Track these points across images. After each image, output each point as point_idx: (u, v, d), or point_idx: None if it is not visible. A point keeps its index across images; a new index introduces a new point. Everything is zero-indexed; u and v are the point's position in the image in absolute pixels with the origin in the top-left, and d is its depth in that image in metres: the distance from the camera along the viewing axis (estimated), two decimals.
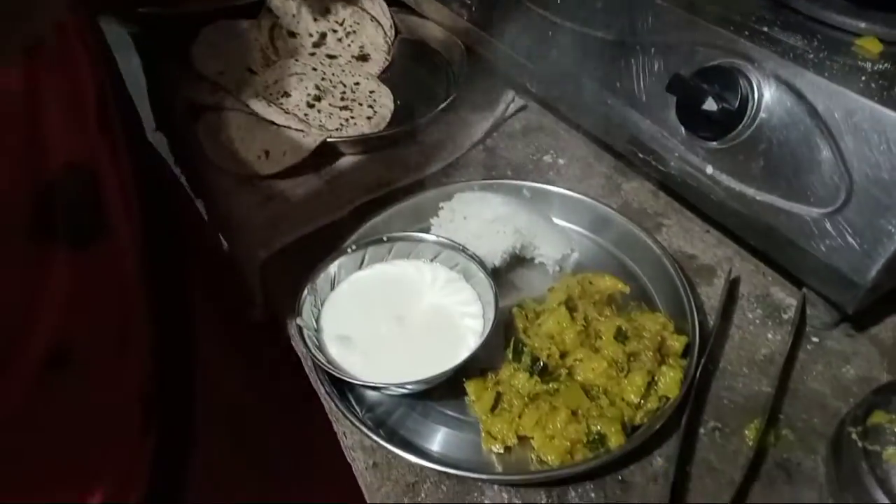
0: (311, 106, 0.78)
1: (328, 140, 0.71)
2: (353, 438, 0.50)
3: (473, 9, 0.79)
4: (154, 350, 0.62)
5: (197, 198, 0.85)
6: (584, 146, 0.75)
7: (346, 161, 0.74)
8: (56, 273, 0.52)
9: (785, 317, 0.57)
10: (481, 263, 0.55)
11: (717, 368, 0.54)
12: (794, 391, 0.52)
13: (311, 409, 0.56)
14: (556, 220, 0.65)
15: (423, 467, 0.47)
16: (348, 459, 0.51)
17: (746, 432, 0.49)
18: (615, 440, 0.45)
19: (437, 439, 0.50)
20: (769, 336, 0.56)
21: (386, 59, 0.84)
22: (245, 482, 0.68)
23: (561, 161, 0.74)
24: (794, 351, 0.54)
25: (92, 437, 0.55)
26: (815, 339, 0.56)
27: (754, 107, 0.53)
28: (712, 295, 0.59)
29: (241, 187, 0.71)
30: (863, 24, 0.54)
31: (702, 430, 0.50)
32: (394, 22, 0.88)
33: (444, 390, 0.52)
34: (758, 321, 0.57)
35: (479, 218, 0.60)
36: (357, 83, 0.82)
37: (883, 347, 0.55)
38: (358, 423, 0.48)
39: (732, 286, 0.59)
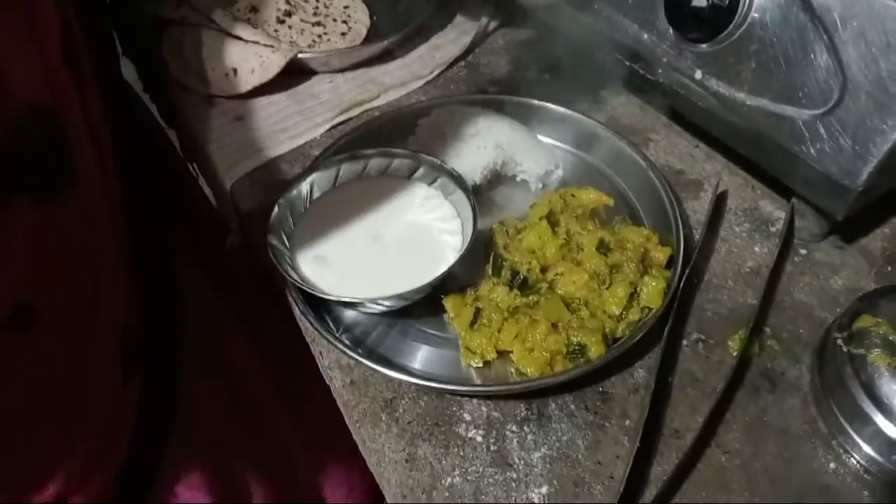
0: (281, 21, 0.74)
1: (299, 56, 0.68)
2: (330, 357, 0.49)
3: None
4: (132, 304, 0.59)
5: (168, 126, 0.81)
6: (569, 60, 0.72)
7: (319, 80, 0.71)
8: (18, 228, 0.48)
9: (773, 230, 0.56)
10: (460, 179, 0.53)
11: (702, 281, 0.52)
12: (780, 303, 0.51)
13: (299, 353, 0.54)
14: (540, 137, 0.62)
15: (401, 382, 0.46)
16: (326, 380, 0.50)
17: (730, 343, 0.48)
18: (595, 351, 0.44)
19: (417, 357, 0.49)
20: (756, 249, 0.54)
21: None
22: (234, 437, 0.67)
23: (546, 76, 0.71)
24: (780, 262, 0.53)
25: (67, 396, 0.53)
26: (802, 252, 0.54)
27: (746, 3, 0.50)
28: (699, 209, 0.58)
29: (208, 108, 0.68)
30: None
31: (685, 342, 0.49)
32: None
33: (423, 308, 0.50)
34: (745, 234, 0.56)
35: (459, 133, 0.57)
36: None
37: (871, 258, 0.54)
38: (333, 341, 0.47)
39: (719, 200, 0.58)
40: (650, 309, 0.47)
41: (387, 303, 0.48)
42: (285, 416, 0.71)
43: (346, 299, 0.46)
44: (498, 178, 0.59)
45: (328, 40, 0.73)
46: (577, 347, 0.45)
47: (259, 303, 0.72)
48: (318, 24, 0.74)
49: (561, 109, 0.62)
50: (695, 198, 0.59)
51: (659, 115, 0.66)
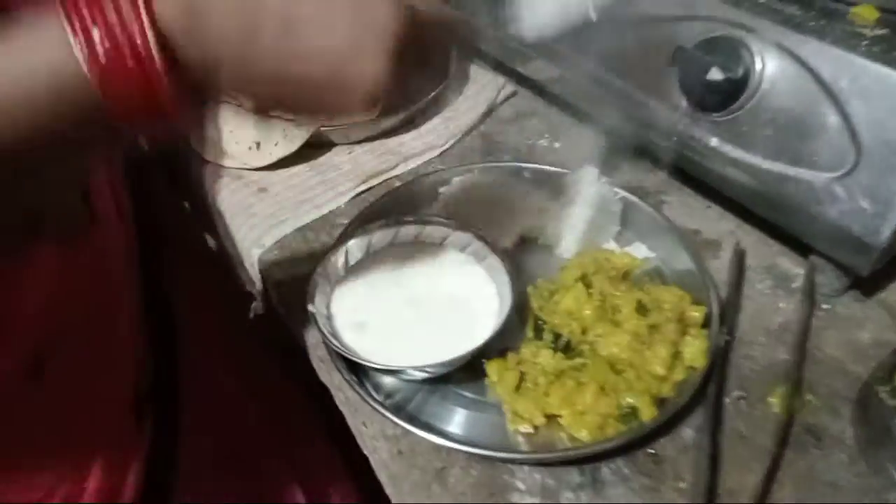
0: None
1: (320, 129, 0.69)
2: (374, 427, 0.48)
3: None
4: (144, 349, 0.59)
5: (181, 193, 0.82)
6: (577, 129, 0.75)
7: (338, 151, 0.73)
8: (42, 269, 0.49)
9: (793, 286, 0.57)
10: (492, 244, 0.54)
11: (735, 338, 0.53)
12: (813, 357, 0.52)
13: (298, 405, 0.54)
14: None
15: (449, 451, 0.46)
16: (367, 451, 0.49)
17: (771, 399, 0.49)
18: (647, 413, 0.44)
19: (460, 423, 0.48)
20: (781, 305, 0.56)
21: None
22: (231, 482, 0.66)
23: (556, 144, 0.74)
24: (807, 318, 0.55)
25: (82, 439, 0.53)
26: (825, 307, 0.56)
27: (758, 76, 0.53)
28: (720, 268, 0.59)
29: (231, 180, 0.68)
30: None
31: (727, 400, 0.49)
32: None
33: (463, 373, 0.50)
34: (768, 291, 0.57)
35: (484, 201, 0.59)
36: None
37: (892, 311, 0.56)
38: (380, 409, 0.46)
39: (740, 258, 0.59)
40: (694, 368, 0.47)
41: (431, 370, 0.48)
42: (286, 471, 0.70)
43: (392, 367, 0.46)
44: (523, 244, 0.60)
45: None
46: (628, 409, 0.45)
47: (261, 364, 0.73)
48: None
49: (587, 173, 0.63)
50: (714, 257, 0.61)
51: (668, 178, 0.68)
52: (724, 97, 0.55)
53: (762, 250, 0.61)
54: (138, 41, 0.29)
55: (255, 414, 0.72)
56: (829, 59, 0.50)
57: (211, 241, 0.78)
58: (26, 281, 0.48)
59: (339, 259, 0.54)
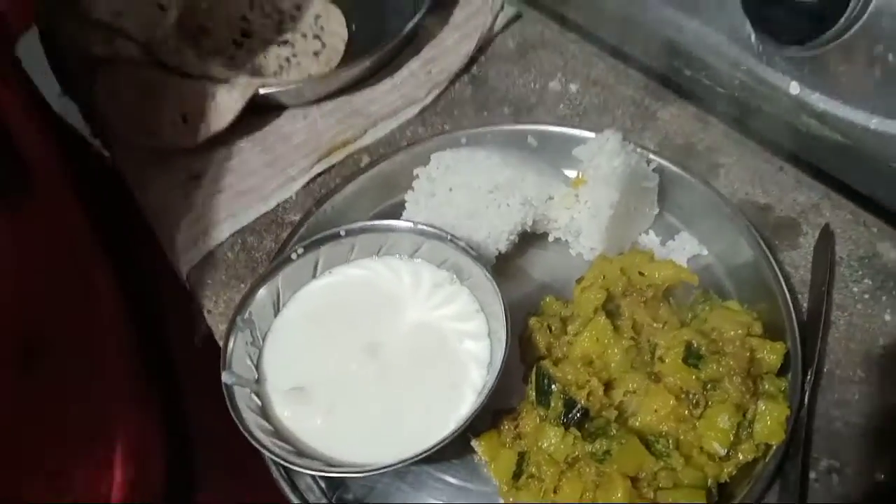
0: (238, 45, 0.60)
1: (262, 92, 0.53)
2: None
3: None
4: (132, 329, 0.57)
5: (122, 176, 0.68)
6: (601, 63, 0.57)
7: (291, 117, 0.57)
8: None
9: None
10: (478, 258, 0.39)
11: (822, 375, 0.38)
12: None
13: None
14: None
15: None
16: None
17: (878, 473, 0.34)
18: None
19: None
20: (887, 317, 0.40)
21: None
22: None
23: (573, 87, 0.57)
24: None
25: (95, 423, 0.51)
26: None
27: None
28: (800, 262, 0.44)
29: (155, 166, 0.54)
30: None
31: (812, 475, 0.35)
32: None
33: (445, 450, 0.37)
34: (867, 296, 0.42)
35: (471, 187, 0.44)
36: (298, 6, 0.63)
37: None
38: None
39: (828, 246, 0.43)
40: (768, 445, 0.33)
41: (396, 467, 0.34)
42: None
43: (339, 473, 0.33)
44: (527, 240, 0.45)
45: (298, 63, 0.59)
46: None
47: None
48: (285, 42, 0.60)
49: (607, 139, 0.46)
50: (791, 245, 0.45)
51: (727, 128, 0.51)
52: (811, 23, 0.37)
53: (857, 233, 0.45)
54: None
55: None
56: None
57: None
58: None
59: (271, 291, 0.40)
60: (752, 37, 0.41)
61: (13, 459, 0.46)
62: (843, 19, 0.37)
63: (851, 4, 0.37)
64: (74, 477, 0.50)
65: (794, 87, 0.40)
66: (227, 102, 0.54)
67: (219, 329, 0.46)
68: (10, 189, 0.47)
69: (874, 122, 0.38)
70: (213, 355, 0.49)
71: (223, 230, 0.50)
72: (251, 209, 0.51)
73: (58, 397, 0.50)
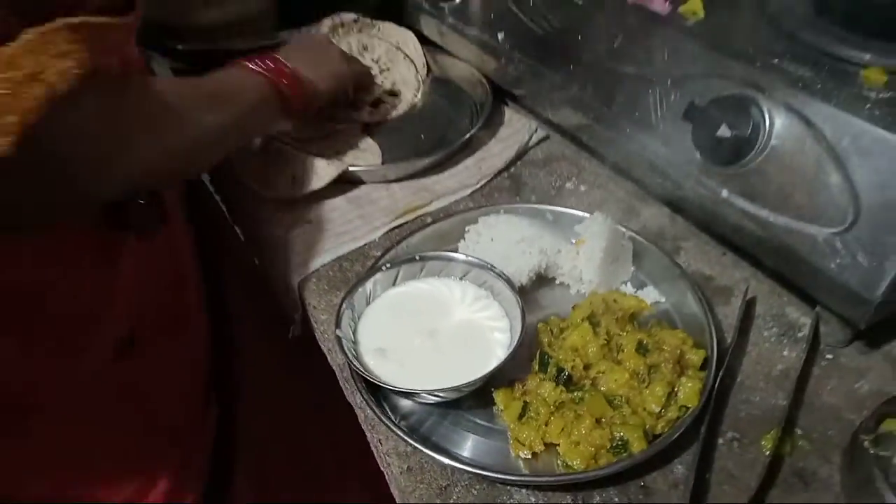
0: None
1: (351, 169, 0.76)
2: (388, 445, 0.53)
3: (503, 48, 0.84)
4: (209, 338, 0.72)
5: (234, 221, 0.90)
6: (603, 173, 0.79)
7: (376, 187, 0.79)
8: (125, 261, 0.57)
9: (800, 335, 0.60)
10: (508, 281, 0.58)
11: (735, 382, 0.56)
12: (810, 404, 0.54)
13: (340, 417, 0.61)
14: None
15: (454, 470, 0.50)
16: (382, 466, 0.54)
17: (763, 443, 0.51)
18: (637, 446, 0.48)
19: (467, 446, 0.52)
20: (784, 353, 0.58)
21: (415, 95, 0.88)
22: (283, 477, 0.73)
23: (582, 188, 0.78)
24: (808, 366, 0.57)
25: (161, 415, 0.63)
26: (829, 356, 0.58)
27: (766, 134, 0.56)
28: (730, 314, 0.62)
29: (277, 212, 0.75)
30: (868, 56, 0.58)
31: (721, 441, 0.52)
32: (426, 60, 0.92)
33: (474, 400, 0.54)
34: (773, 339, 0.60)
35: (506, 239, 0.64)
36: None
37: (895, 363, 0.57)
38: (394, 428, 0.51)
39: (749, 305, 0.62)
40: (688, 408, 0.51)
41: (442, 394, 0.52)
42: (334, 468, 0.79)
43: (406, 389, 0.51)
44: (541, 280, 0.65)
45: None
46: (619, 442, 0.48)
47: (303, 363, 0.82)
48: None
49: (598, 218, 0.67)
50: (725, 303, 0.63)
51: (688, 223, 0.71)
52: (733, 153, 0.58)
53: (772, 299, 0.63)
54: (287, 71, 0.66)
55: (303, 415, 0.79)
56: (833, 120, 0.53)
57: (258, 263, 0.85)
58: (112, 271, 0.58)
59: (366, 289, 0.59)
60: (699, 159, 0.62)
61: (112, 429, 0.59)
62: (753, 152, 0.58)
63: (758, 144, 0.58)
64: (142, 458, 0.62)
65: (724, 193, 0.61)
66: (324, 171, 0.76)
67: (320, 319, 0.65)
68: (150, 228, 0.60)
69: (772, 218, 0.58)
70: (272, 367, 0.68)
71: (325, 257, 0.70)
72: (345, 245, 0.71)
73: (147, 381, 0.62)
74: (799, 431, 0.53)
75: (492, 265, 0.59)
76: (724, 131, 0.57)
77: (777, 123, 0.56)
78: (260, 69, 0.64)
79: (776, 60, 0.59)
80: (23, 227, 0.48)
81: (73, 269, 0.55)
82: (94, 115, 0.44)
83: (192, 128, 0.55)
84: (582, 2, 0.73)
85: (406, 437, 0.50)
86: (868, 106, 0.53)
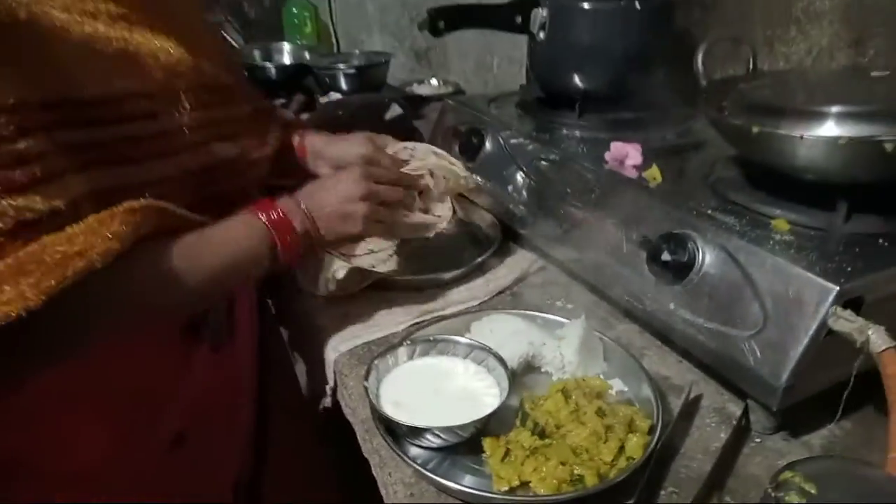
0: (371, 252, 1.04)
1: (385, 276, 0.95)
2: (397, 476, 0.67)
3: (511, 197, 1.06)
4: (252, 442, 0.83)
5: (281, 322, 1.08)
6: (588, 299, 0.97)
7: (404, 292, 0.98)
8: (196, 365, 0.72)
9: (735, 423, 0.74)
10: (501, 360, 0.75)
11: (678, 453, 0.69)
12: (736, 473, 0.67)
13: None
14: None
15: (447, 497, 0.63)
16: (387, 497, 0.67)
17: (696, 496, 0.64)
18: (591, 481, 0.61)
19: (460, 481, 0.66)
20: (721, 435, 0.72)
21: (449, 220, 1.08)
22: None
23: (569, 306, 0.96)
24: (738, 443, 0.70)
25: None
26: (757, 440, 0.72)
27: (700, 261, 0.75)
28: (679, 405, 0.76)
29: (325, 308, 0.94)
30: (778, 211, 0.78)
31: (662, 492, 0.65)
32: (453, 205, 1.15)
33: (467, 447, 0.68)
34: (713, 424, 0.74)
35: (502, 331, 0.81)
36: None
37: (811, 450, 0.70)
38: (406, 459, 0.65)
39: (695, 399, 0.77)
40: (632, 458, 0.64)
41: (443, 434, 0.67)
42: None
43: (416, 425, 0.66)
44: (528, 367, 0.81)
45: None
46: (577, 477, 0.62)
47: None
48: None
49: (578, 322, 0.84)
50: (677, 397, 0.78)
51: (653, 338, 0.88)
52: (677, 275, 0.77)
53: (715, 396, 0.78)
54: (295, 227, 0.71)
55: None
56: (748, 253, 0.72)
57: (295, 358, 1.02)
58: (184, 374, 0.71)
59: (389, 359, 0.76)
60: (653, 280, 0.81)
61: None
62: (690, 274, 0.77)
63: (694, 268, 0.76)
64: None
65: (672, 306, 0.78)
66: (353, 276, 0.95)
67: (349, 385, 0.80)
68: (221, 340, 0.73)
69: (707, 324, 0.74)
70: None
71: (357, 341, 0.87)
72: (374, 333, 0.89)
73: (192, 472, 0.72)
74: (727, 496, 0.65)
75: (489, 347, 0.76)
76: (666, 257, 0.76)
77: (708, 255, 0.75)
78: (265, 222, 0.69)
79: (710, 211, 0.80)
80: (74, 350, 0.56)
81: (152, 369, 0.66)
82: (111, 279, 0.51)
83: (191, 282, 0.61)
84: (572, 166, 0.96)
85: (412, 463, 0.64)
86: (773, 244, 0.72)
